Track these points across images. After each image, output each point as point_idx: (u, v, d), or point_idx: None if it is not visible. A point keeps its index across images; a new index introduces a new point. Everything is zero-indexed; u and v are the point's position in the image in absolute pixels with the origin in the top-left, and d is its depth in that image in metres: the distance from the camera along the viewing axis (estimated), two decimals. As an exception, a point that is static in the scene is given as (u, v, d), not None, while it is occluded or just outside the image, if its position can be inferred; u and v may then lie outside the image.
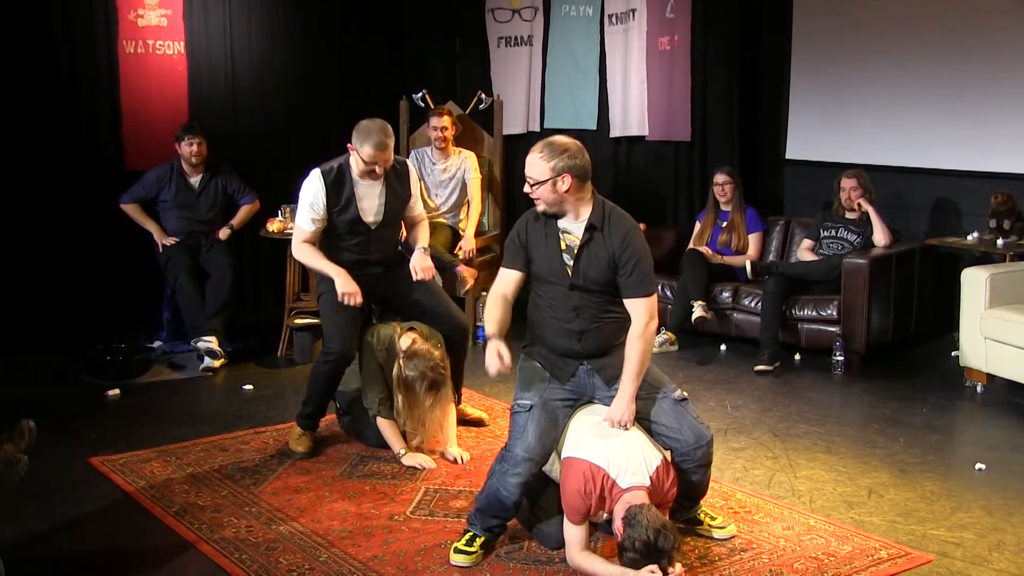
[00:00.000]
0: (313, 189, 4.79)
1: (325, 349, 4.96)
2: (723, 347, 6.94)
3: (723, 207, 7.22)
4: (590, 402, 3.97)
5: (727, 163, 7.52)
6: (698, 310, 6.66)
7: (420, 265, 4.96)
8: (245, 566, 3.76)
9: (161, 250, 6.77)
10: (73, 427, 5.32)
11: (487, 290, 7.00)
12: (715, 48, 7.88)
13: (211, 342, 6.48)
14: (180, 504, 4.34)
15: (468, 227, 6.95)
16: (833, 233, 6.90)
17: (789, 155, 8.07)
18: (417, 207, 5.11)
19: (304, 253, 4.88)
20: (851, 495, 4.49)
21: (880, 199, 6.86)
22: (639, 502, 3.54)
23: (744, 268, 6.91)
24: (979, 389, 5.98)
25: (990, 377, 5.93)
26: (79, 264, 7.21)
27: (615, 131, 8.33)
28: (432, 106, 7.36)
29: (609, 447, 3.66)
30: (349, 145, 4.74)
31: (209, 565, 3.80)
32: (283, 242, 6.75)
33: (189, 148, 6.77)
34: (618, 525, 3.56)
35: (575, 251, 3.83)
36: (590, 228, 3.84)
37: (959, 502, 4.41)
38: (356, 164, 4.76)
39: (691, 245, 7.16)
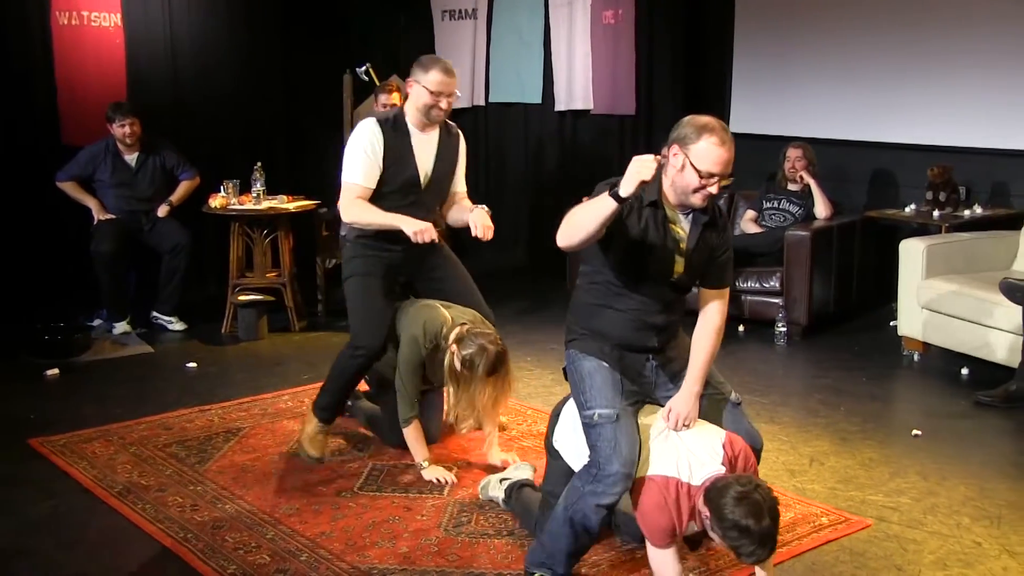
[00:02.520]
0: (369, 135, 4.29)
1: (353, 344, 4.46)
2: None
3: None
4: (647, 404, 3.54)
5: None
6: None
7: (483, 222, 4.30)
8: (190, 545, 3.73)
9: (96, 223, 6.68)
10: (11, 408, 5.24)
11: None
12: (659, 22, 7.91)
13: (172, 321, 6.81)
14: (123, 484, 4.29)
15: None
16: (776, 205, 6.97)
17: (732, 128, 7.98)
18: (462, 181, 4.62)
19: (358, 210, 4.30)
20: (793, 463, 4.56)
21: (821, 172, 6.94)
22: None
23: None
24: (916, 358, 6.10)
25: (926, 346, 6.05)
26: (16, 241, 7.08)
27: (560, 105, 8.34)
28: (377, 81, 7.30)
29: (672, 452, 3.26)
30: (409, 80, 4.31)
31: (153, 545, 3.76)
32: (226, 218, 6.71)
33: (122, 130, 6.66)
34: (705, 515, 3.11)
35: (683, 246, 3.37)
36: (707, 223, 3.38)
37: (896, 468, 4.50)
38: (416, 102, 4.29)
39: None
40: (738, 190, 7.50)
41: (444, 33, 8.59)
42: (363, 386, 4.97)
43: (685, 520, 3.18)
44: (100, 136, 6.78)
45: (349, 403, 4.90)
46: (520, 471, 4.21)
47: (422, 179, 4.39)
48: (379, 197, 4.32)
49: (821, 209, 6.76)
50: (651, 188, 3.25)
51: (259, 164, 6.78)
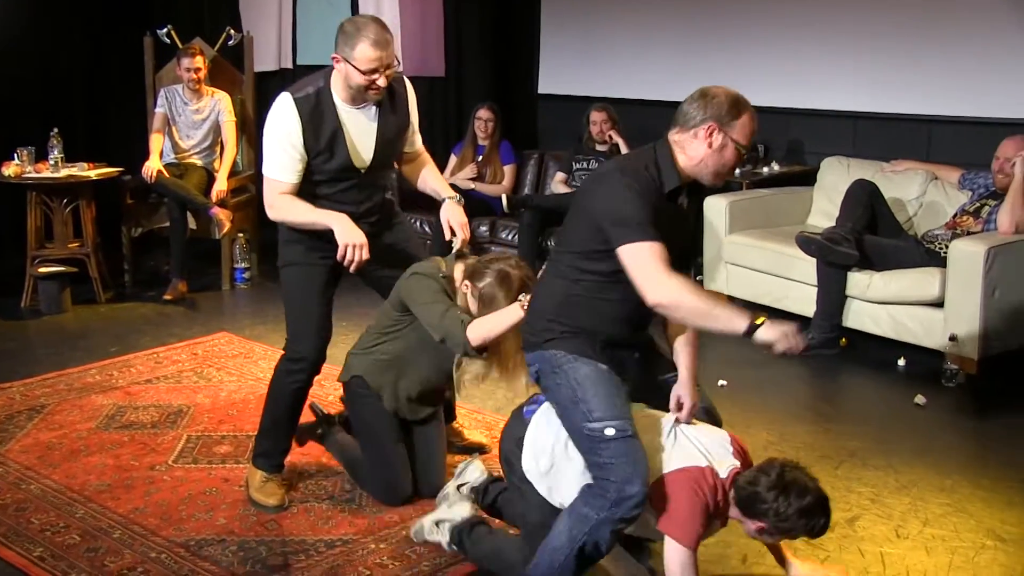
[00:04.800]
0: (286, 124, 3.51)
1: (290, 354, 3.74)
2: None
3: (481, 141, 7.30)
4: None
5: (481, 97, 7.59)
6: (457, 244, 6.73)
7: (458, 220, 3.71)
8: (-7, 529, 3.58)
9: None
10: None
11: (244, 232, 6.92)
12: (466, -18, 7.92)
13: None
14: (-83, 469, 4.07)
15: (222, 170, 6.76)
16: (585, 165, 7.11)
17: (541, 89, 8.24)
18: (418, 139, 3.90)
19: (284, 208, 3.58)
20: (607, 417, 4.68)
21: (628, 132, 7.11)
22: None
23: (500, 201, 7.05)
24: (721, 310, 6.34)
25: (731, 298, 6.30)
26: None
27: (370, 67, 8.25)
28: (179, 43, 7.08)
29: (690, 447, 3.00)
30: (335, 57, 3.50)
31: (-48, 531, 3.59)
32: (22, 187, 6.38)
33: None
34: (754, 527, 2.96)
35: (686, 224, 3.18)
36: (693, 194, 3.14)
37: (704, 417, 4.68)
38: (347, 80, 3.50)
39: (447, 179, 7.21)
40: (548, 151, 7.63)
41: (249, -7, 8.35)
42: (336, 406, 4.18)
43: (715, 513, 2.97)
44: None
45: (319, 431, 4.04)
46: (455, 509, 3.48)
47: (358, 163, 3.63)
48: (312, 185, 3.62)
49: (629, 168, 6.93)
50: (671, 175, 3.01)
51: (56, 130, 6.47)
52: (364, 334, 3.88)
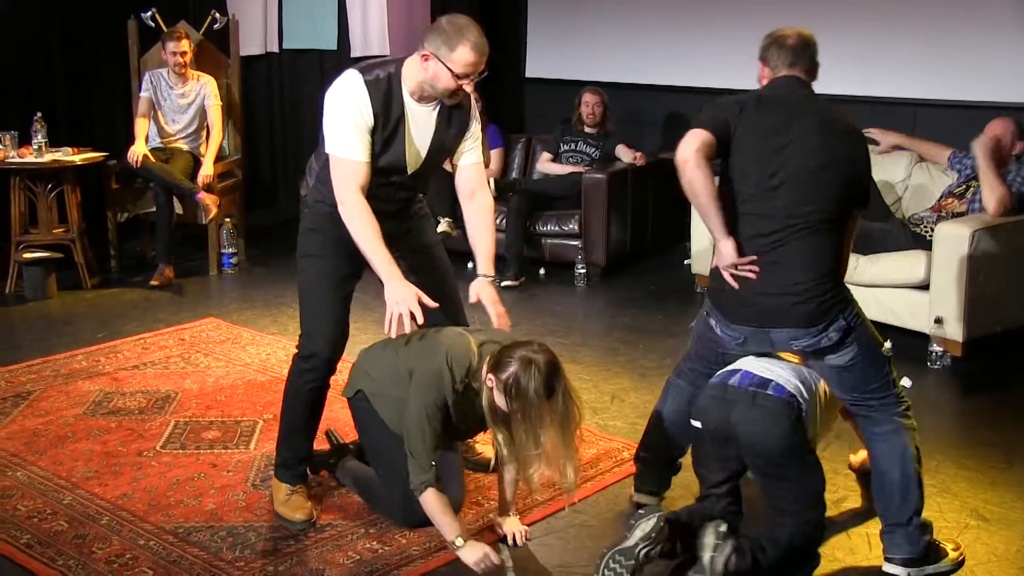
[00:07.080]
0: (356, 100, 3.30)
1: (302, 351, 3.52)
2: (471, 264, 7.03)
3: (466, 125, 7.28)
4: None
5: (469, 81, 7.57)
6: (444, 226, 6.74)
7: (496, 309, 3.46)
8: (-20, 516, 3.57)
9: None
10: None
11: (231, 217, 6.90)
12: (453, -35, 7.88)
13: None
14: (-97, 456, 4.05)
15: (208, 154, 6.73)
16: (573, 147, 7.10)
17: (529, 73, 8.22)
18: (475, 151, 3.59)
19: (355, 217, 3.28)
20: (595, 401, 4.70)
21: (616, 116, 7.11)
22: None
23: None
24: (709, 294, 6.37)
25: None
26: None
27: (356, 50, 8.21)
28: (164, 27, 7.04)
29: None
30: (424, 54, 3.28)
31: (-62, 519, 3.57)
32: (5, 172, 6.35)
33: None
34: None
35: None
36: None
37: (692, 401, 4.69)
38: (432, 80, 3.30)
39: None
40: (535, 135, 7.62)
41: (234, -24, 8.30)
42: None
43: None
44: None
45: (331, 460, 3.83)
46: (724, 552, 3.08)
47: (410, 164, 3.43)
48: None
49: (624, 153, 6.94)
50: None
51: (39, 115, 6.43)
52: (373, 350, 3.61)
